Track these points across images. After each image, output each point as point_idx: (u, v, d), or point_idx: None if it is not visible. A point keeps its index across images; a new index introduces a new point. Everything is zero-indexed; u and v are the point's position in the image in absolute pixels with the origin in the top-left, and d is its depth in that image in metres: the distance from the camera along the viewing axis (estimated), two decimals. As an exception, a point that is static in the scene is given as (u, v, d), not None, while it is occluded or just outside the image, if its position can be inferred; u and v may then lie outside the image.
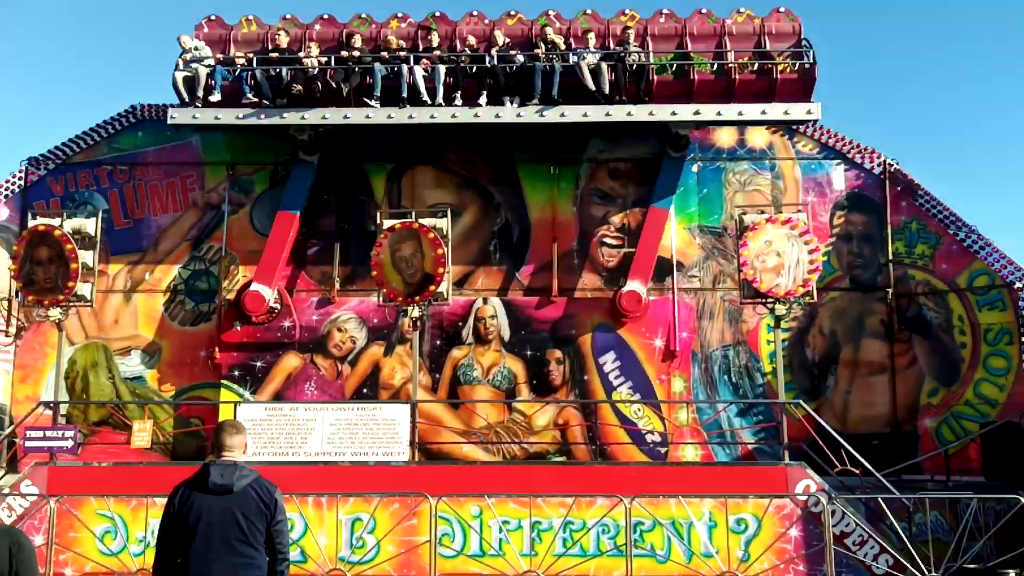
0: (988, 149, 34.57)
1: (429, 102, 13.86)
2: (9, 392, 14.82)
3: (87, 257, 13.00)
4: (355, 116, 13.99)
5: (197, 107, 14.06)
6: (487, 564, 11.23)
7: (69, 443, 12.24)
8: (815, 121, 14.48)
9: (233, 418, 11.77)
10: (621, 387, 14.58)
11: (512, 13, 15.14)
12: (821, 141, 15.40)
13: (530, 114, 13.92)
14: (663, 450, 14.25)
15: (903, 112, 34.87)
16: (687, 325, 14.84)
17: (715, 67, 14.30)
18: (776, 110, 14.07)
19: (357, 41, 14.48)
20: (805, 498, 11.28)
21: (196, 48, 14.41)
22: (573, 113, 13.93)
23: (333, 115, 13.98)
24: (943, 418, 14.39)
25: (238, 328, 14.70)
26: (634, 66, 14.04)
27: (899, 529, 11.30)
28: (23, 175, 15.52)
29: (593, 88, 13.86)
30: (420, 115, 13.94)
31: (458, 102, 13.94)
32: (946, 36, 35.01)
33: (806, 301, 12.92)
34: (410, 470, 11.93)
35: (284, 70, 14.01)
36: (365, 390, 14.66)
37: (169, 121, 14.25)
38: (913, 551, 10.95)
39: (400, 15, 15.17)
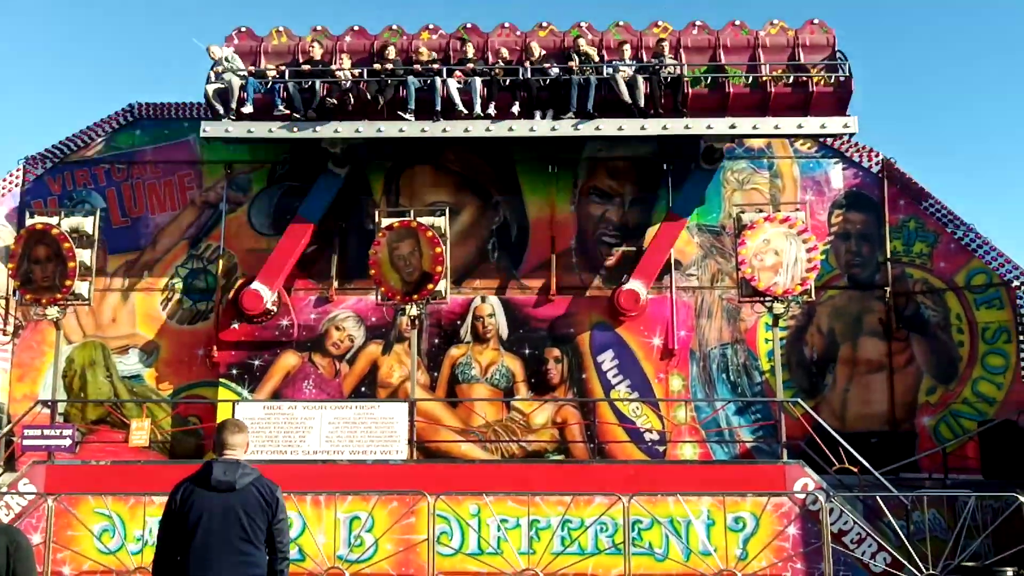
0: (986, 146, 34.61)
1: (465, 112, 13.70)
2: (7, 391, 14.80)
3: (85, 256, 12.99)
4: (388, 130, 13.89)
5: (232, 119, 13.94)
6: (485, 562, 11.23)
7: (67, 442, 12.24)
8: (852, 134, 14.36)
9: (232, 417, 11.77)
10: (619, 385, 14.59)
11: (544, 25, 15.07)
12: (819, 140, 15.40)
13: (565, 128, 13.84)
14: (661, 448, 14.26)
15: (901, 108, 34.89)
16: (685, 324, 14.84)
17: (749, 80, 14.20)
18: (812, 124, 13.99)
19: (391, 53, 14.35)
20: (803, 496, 11.29)
21: (228, 59, 14.23)
22: (608, 126, 13.85)
23: (366, 128, 13.86)
24: (941, 416, 14.40)
25: (236, 326, 14.70)
26: (669, 79, 13.94)
27: (897, 527, 11.31)
28: (20, 174, 15.50)
29: (629, 101, 13.75)
30: (454, 128, 13.86)
31: (492, 113, 13.81)
32: (943, 30, 35.04)
33: (804, 300, 12.93)
34: (408, 469, 11.94)
35: (317, 83, 13.89)
36: (363, 388, 14.66)
37: (202, 134, 14.15)
38: (911, 549, 10.96)
39: (431, 27, 15.12)
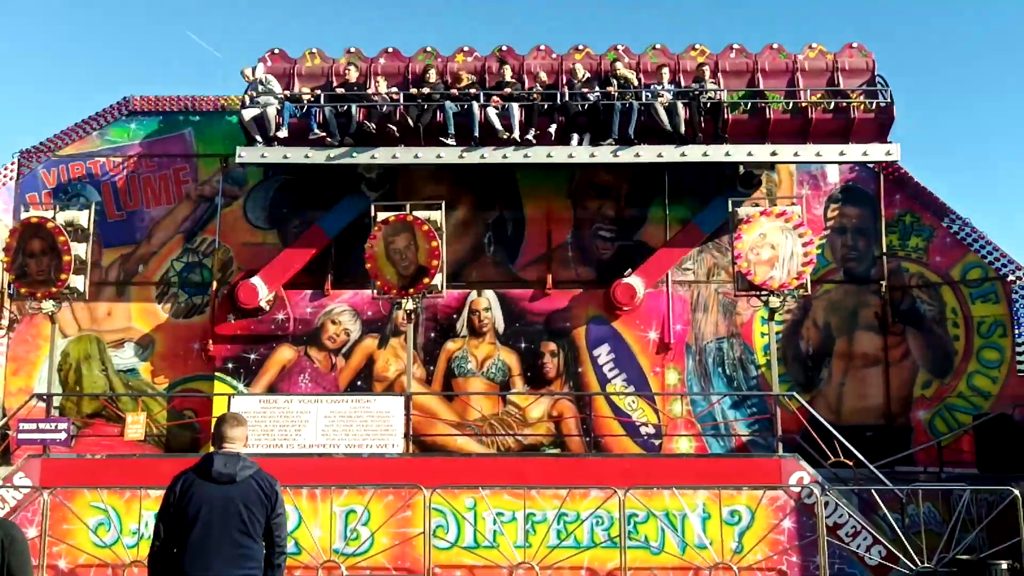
0: (984, 142, 34.64)
1: (505, 136, 13.52)
2: (2, 385, 14.77)
3: (80, 249, 12.96)
4: (425, 156, 13.76)
5: (274, 144, 13.81)
6: (481, 556, 11.25)
7: (62, 435, 12.23)
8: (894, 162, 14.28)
9: (228, 410, 11.77)
10: (615, 379, 14.60)
11: (580, 48, 14.98)
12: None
13: (604, 154, 13.69)
14: (657, 442, 14.27)
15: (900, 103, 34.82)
16: (681, 317, 14.84)
17: (790, 105, 14.03)
18: (855, 151, 13.89)
19: (432, 76, 14.18)
20: (799, 490, 11.31)
21: (265, 81, 14.05)
22: (648, 153, 13.70)
23: (403, 155, 13.69)
24: (936, 410, 14.43)
25: (232, 320, 14.68)
26: (709, 104, 13.78)
27: (892, 520, 11.34)
28: (15, 167, 15.44)
29: (670, 128, 13.59)
30: (492, 155, 13.75)
31: (532, 140, 13.65)
32: (943, 29, 35.06)
33: (800, 294, 12.96)
34: (404, 462, 11.94)
35: (354, 107, 13.73)
36: (359, 382, 14.65)
37: (237, 160, 14.01)
38: (906, 542, 11.00)
39: (466, 49, 15.00)
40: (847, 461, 11.99)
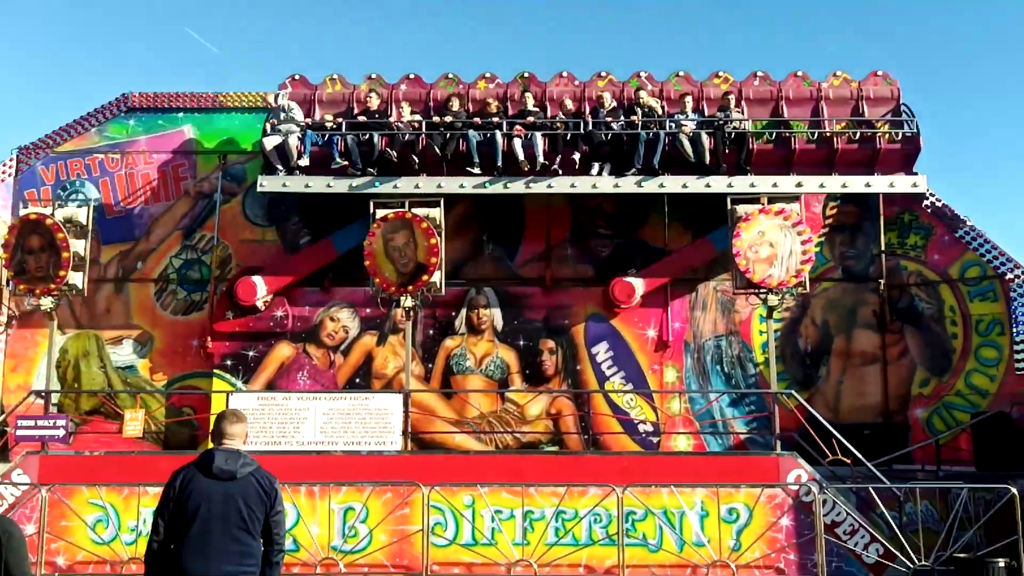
0: (983, 141, 34.64)
1: (526, 168, 13.46)
2: (0, 381, 14.76)
3: (79, 246, 12.96)
4: (448, 185, 13.69)
5: (296, 173, 13.76)
6: (479, 553, 11.25)
7: (61, 432, 12.23)
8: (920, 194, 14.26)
9: (226, 407, 11.75)
10: (614, 377, 14.61)
11: (603, 75, 14.98)
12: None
13: (629, 184, 13.63)
14: (655, 440, 14.28)
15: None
16: (680, 315, 14.84)
17: (815, 135, 14.01)
18: (881, 183, 13.90)
19: (455, 104, 14.13)
20: (796, 488, 11.32)
21: (287, 108, 14.00)
22: (673, 184, 13.65)
23: (426, 184, 13.59)
24: (934, 408, 14.44)
25: (230, 317, 14.68)
26: (733, 134, 13.71)
27: (890, 518, 11.35)
28: (14, 164, 15.43)
29: (694, 159, 13.53)
30: (516, 185, 13.72)
31: (558, 170, 13.61)
32: (943, 27, 35.05)
33: (798, 291, 12.95)
34: (403, 459, 11.94)
35: (376, 136, 13.66)
36: (358, 380, 14.65)
37: (259, 190, 13.95)
38: (903, 540, 11.01)
39: (488, 75, 15.00)
40: (845, 459, 12.00)
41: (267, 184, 13.89)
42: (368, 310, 14.75)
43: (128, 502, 11.40)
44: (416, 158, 13.71)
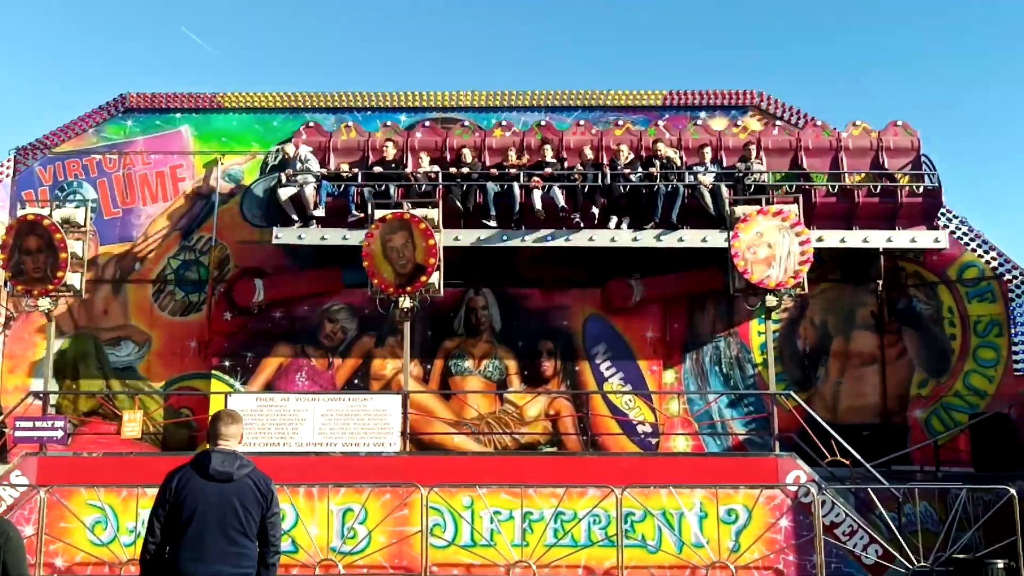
0: (978, 139, 34.68)
1: (543, 216, 13.34)
2: (-2, 382, 14.74)
3: (76, 247, 12.94)
4: (466, 238, 13.60)
5: (312, 223, 13.64)
6: (478, 554, 11.24)
7: (59, 433, 12.21)
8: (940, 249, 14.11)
9: (230, 408, 11.72)
10: (612, 378, 14.61)
11: (620, 123, 14.95)
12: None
13: (648, 238, 13.49)
14: (654, 441, 14.28)
15: (899, 100, 34.94)
16: (678, 316, 14.82)
17: (835, 189, 13.89)
18: (902, 238, 13.79)
19: (467, 156, 14.04)
20: (795, 488, 11.32)
21: (303, 159, 13.88)
22: (692, 238, 13.49)
23: (443, 237, 13.33)
24: (933, 409, 14.45)
25: (228, 318, 14.66)
26: (753, 187, 13.55)
27: (888, 519, 11.35)
28: (11, 164, 15.41)
29: (713, 212, 13.35)
30: (534, 238, 13.64)
31: (580, 223, 13.47)
32: (943, 26, 35.07)
33: (797, 292, 12.93)
34: (401, 460, 11.92)
35: (392, 187, 13.56)
36: (356, 381, 14.64)
37: (274, 242, 13.81)
38: (902, 541, 11.00)
39: (504, 123, 14.96)
40: (844, 460, 12.00)
41: (283, 236, 13.73)
42: (366, 311, 14.72)
43: (127, 503, 11.38)
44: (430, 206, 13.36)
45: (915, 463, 13.77)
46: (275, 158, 15.35)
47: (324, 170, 13.97)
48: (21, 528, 10.51)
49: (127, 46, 37.55)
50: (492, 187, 13.56)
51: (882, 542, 11.10)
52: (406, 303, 12.73)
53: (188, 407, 14.55)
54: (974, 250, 14.57)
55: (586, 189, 13.51)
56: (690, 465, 12.16)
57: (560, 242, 13.69)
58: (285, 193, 13.70)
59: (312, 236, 13.76)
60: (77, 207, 13.34)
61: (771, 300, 12.72)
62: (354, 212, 13.55)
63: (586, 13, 36.98)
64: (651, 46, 36.48)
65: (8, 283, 13.24)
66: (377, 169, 13.90)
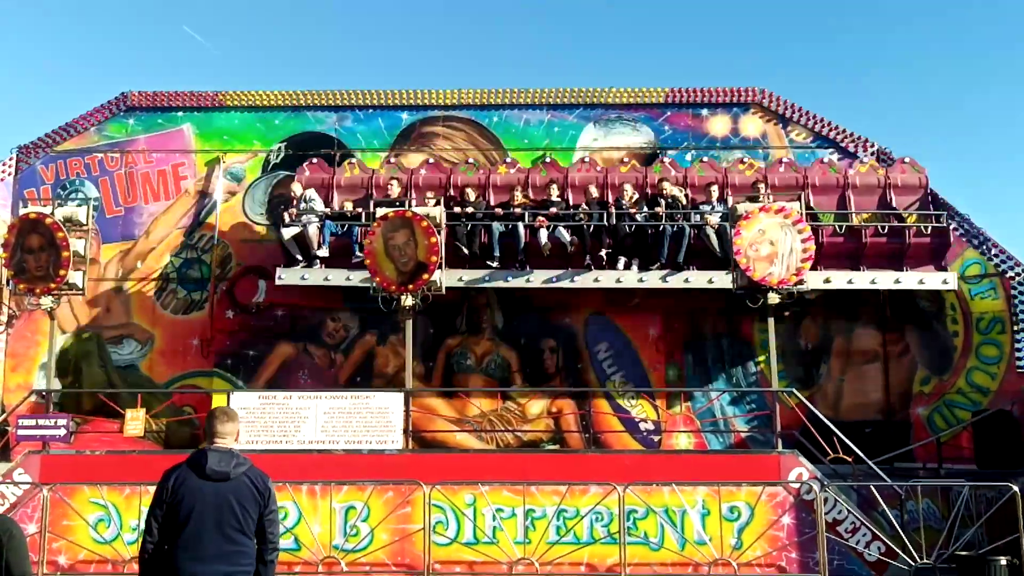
0: (980, 137, 34.62)
1: (547, 253, 13.29)
2: (1, 381, 14.74)
3: (78, 245, 12.96)
4: (470, 278, 13.54)
5: (316, 263, 13.53)
6: (481, 552, 11.25)
7: (62, 431, 12.23)
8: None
9: (227, 406, 11.72)
10: (615, 375, 14.60)
11: (625, 161, 14.90)
12: (814, 130, 15.36)
13: (654, 280, 13.37)
14: (656, 438, 14.28)
15: (897, 98, 34.87)
16: (681, 314, 14.80)
17: (842, 228, 13.80)
18: (911, 279, 13.66)
19: (471, 195, 13.91)
20: (798, 486, 11.32)
21: (307, 199, 13.78)
22: (698, 279, 13.38)
23: (447, 278, 13.30)
24: (935, 406, 14.43)
25: (231, 316, 14.67)
26: None
27: (891, 516, 11.34)
28: (13, 163, 15.42)
29: (720, 254, 13.26)
30: (537, 278, 13.55)
31: (589, 263, 13.35)
32: (944, 24, 35.02)
33: (799, 290, 12.91)
34: (404, 458, 11.93)
35: None
36: (359, 379, 14.64)
37: (277, 282, 13.73)
38: (905, 538, 11.00)
39: (508, 160, 14.89)
40: (846, 457, 11.99)
41: (286, 277, 13.65)
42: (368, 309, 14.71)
43: (129, 501, 11.40)
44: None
45: (918, 460, 13.75)
46: (277, 156, 15.37)
47: (328, 209, 13.86)
48: (24, 526, 10.53)
49: (129, 45, 37.57)
50: (497, 227, 13.49)
51: (885, 539, 11.10)
52: (408, 301, 12.73)
53: (191, 405, 14.55)
54: (977, 247, 14.55)
55: (591, 229, 13.42)
56: (692, 462, 12.17)
57: (565, 283, 13.59)
58: (288, 233, 13.63)
59: (315, 276, 13.64)
60: (79, 206, 13.36)
61: (773, 297, 12.71)
62: (358, 253, 13.45)
63: (587, 13, 36.93)
64: (652, 46, 36.41)
65: (10, 281, 13.25)
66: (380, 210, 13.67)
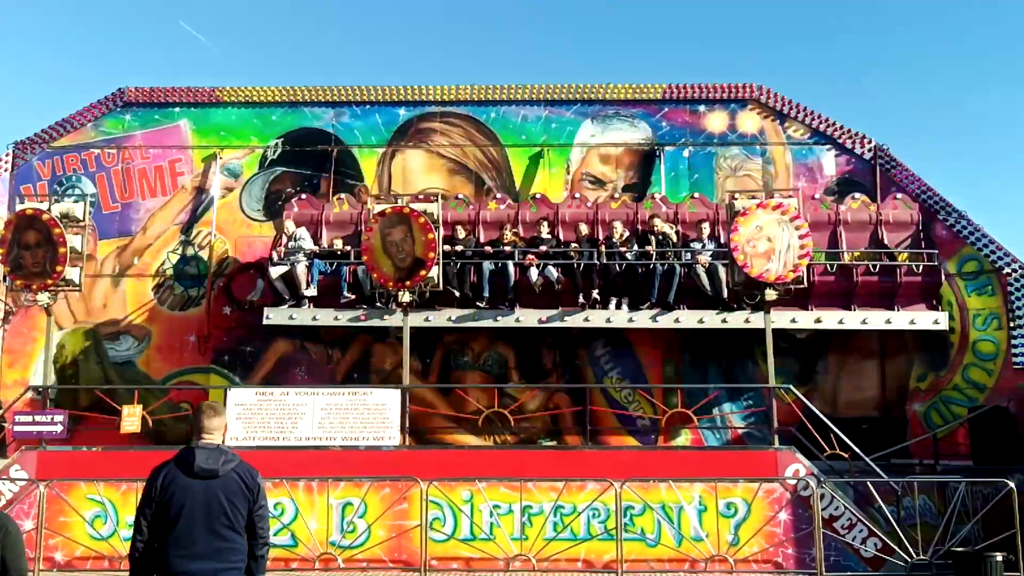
0: (978, 135, 34.63)
1: (539, 290, 13.29)
2: (-3, 377, 14.74)
3: (75, 241, 12.92)
4: (460, 318, 13.58)
5: (304, 303, 13.53)
6: (478, 548, 11.25)
7: (58, 428, 12.22)
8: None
9: (223, 402, 11.73)
10: (612, 372, 14.60)
11: (616, 196, 14.89)
12: (812, 127, 15.37)
13: (644, 319, 13.42)
14: (653, 435, 14.28)
15: (896, 96, 34.88)
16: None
17: (833, 268, 13.82)
18: (902, 319, 13.74)
19: (460, 233, 13.89)
20: (794, 482, 11.33)
21: (296, 238, 13.77)
22: (689, 319, 13.43)
23: (437, 318, 13.36)
24: (932, 403, 14.45)
25: (228, 312, 14.65)
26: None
27: (887, 513, 11.36)
28: (9, 159, 15.39)
29: (711, 293, 13.30)
30: (528, 318, 13.57)
31: (583, 302, 13.38)
32: (944, 23, 35.02)
33: (796, 286, 12.90)
34: (401, 454, 11.93)
35: None
36: (356, 375, 14.63)
37: (265, 322, 13.73)
38: (901, 534, 11.02)
39: (499, 196, 14.87)
40: (843, 453, 12.01)
41: (273, 316, 13.65)
42: (366, 305, 14.70)
43: (126, 497, 11.39)
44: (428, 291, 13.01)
45: (914, 457, 13.77)
46: (274, 152, 15.35)
47: (316, 248, 13.84)
48: (20, 522, 10.54)
49: (125, 41, 37.49)
50: (487, 266, 13.48)
51: (881, 535, 11.11)
52: (405, 297, 12.72)
53: (188, 401, 14.51)
54: (973, 244, 14.56)
55: (581, 267, 13.43)
56: (689, 459, 12.17)
57: (556, 322, 13.63)
58: (276, 272, 13.63)
59: (303, 316, 13.67)
60: (76, 202, 13.32)
61: (771, 294, 12.70)
62: (346, 293, 13.48)
63: (587, 13, 36.89)
64: (651, 46, 36.38)
65: (7, 278, 13.22)
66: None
